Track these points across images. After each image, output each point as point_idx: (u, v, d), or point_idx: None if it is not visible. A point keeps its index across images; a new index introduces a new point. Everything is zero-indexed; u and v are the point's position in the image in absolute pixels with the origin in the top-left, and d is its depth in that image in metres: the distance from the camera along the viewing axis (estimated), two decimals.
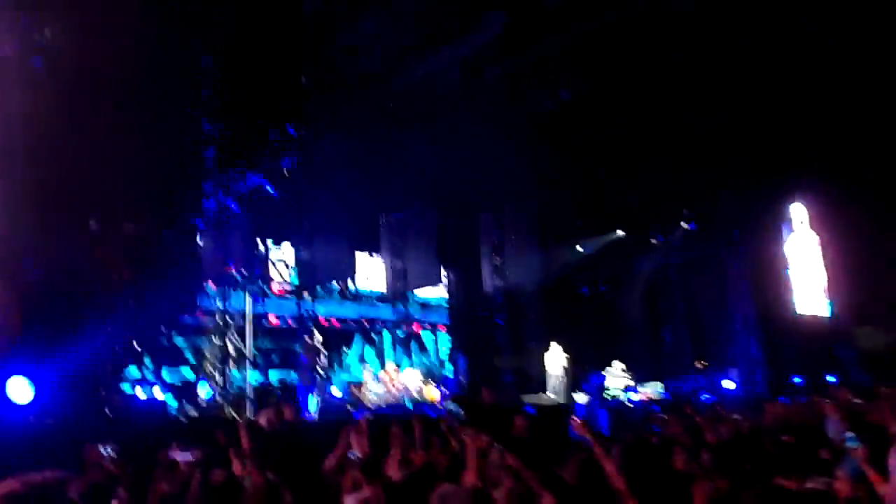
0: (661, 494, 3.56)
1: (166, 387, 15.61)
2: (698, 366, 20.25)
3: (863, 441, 4.29)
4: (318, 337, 16.01)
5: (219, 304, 16.01)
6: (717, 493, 2.92)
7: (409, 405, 16.21)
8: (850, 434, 4.50)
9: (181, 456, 6.93)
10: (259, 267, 18.44)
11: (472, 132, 15.59)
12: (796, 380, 18.87)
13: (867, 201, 18.97)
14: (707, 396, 18.03)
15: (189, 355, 17.42)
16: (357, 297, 21.51)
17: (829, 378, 18.95)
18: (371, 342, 21.54)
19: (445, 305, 22.31)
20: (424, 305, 22.38)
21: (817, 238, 22.13)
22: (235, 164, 15.13)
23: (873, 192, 18.91)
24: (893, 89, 15.58)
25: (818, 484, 4.12)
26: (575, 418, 6.02)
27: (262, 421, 7.40)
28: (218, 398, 14.98)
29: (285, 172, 15.78)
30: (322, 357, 15.83)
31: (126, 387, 14.65)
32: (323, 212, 17.58)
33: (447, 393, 16.20)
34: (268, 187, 15.68)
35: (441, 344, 22.71)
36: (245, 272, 16.78)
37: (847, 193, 19.24)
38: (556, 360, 17.47)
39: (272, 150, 15.29)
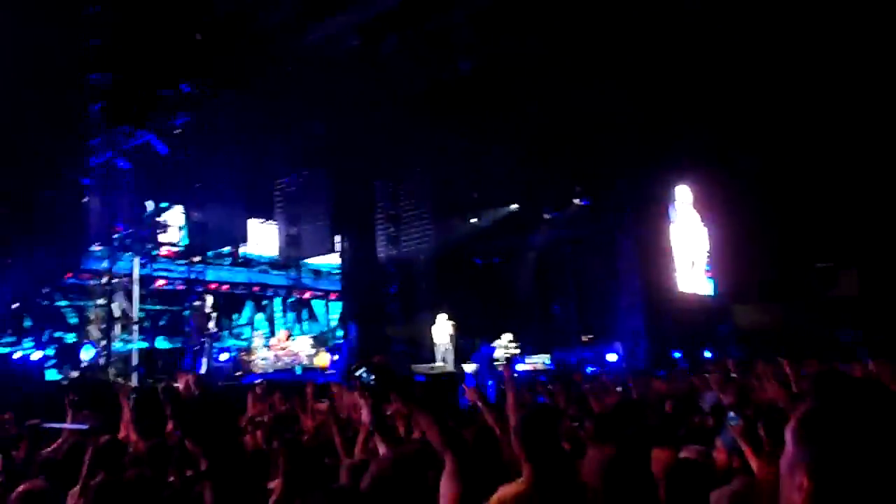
0: (555, 461, 3.61)
1: (44, 348, 15.10)
2: (584, 339, 20.88)
3: (742, 416, 4.54)
4: (209, 300, 15.74)
5: (105, 265, 15.54)
6: (604, 459, 3.04)
7: (299, 371, 16.15)
8: (731, 413, 4.76)
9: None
10: (147, 228, 17.96)
11: (371, 99, 15.51)
12: (676, 355, 19.69)
13: (748, 185, 19.93)
14: (592, 368, 18.62)
15: (72, 318, 16.87)
16: (248, 262, 21.25)
17: (707, 353, 19.87)
18: (262, 308, 21.35)
19: (337, 273, 22.28)
20: (316, 273, 22.29)
21: (700, 220, 23.05)
22: (125, 121, 14.63)
23: (753, 176, 19.88)
24: (777, 77, 16.35)
25: (691, 453, 4.36)
26: (466, 387, 6.18)
27: (180, 387, 7.31)
28: (101, 361, 14.58)
29: (177, 131, 15.34)
30: (211, 322, 15.57)
31: (2, 349, 14.16)
32: (215, 174, 17.22)
33: (336, 360, 16.20)
34: (158, 146, 15.21)
35: (332, 312, 22.68)
36: (133, 233, 16.27)
37: (729, 177, 20.15)
38: (442, 329, 17.69)
39: (164, 107, 14.81)
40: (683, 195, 22.70)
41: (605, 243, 21.08)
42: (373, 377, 2.85)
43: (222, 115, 15.78)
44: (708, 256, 23.50)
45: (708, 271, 23.52)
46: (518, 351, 18.40)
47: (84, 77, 13.74)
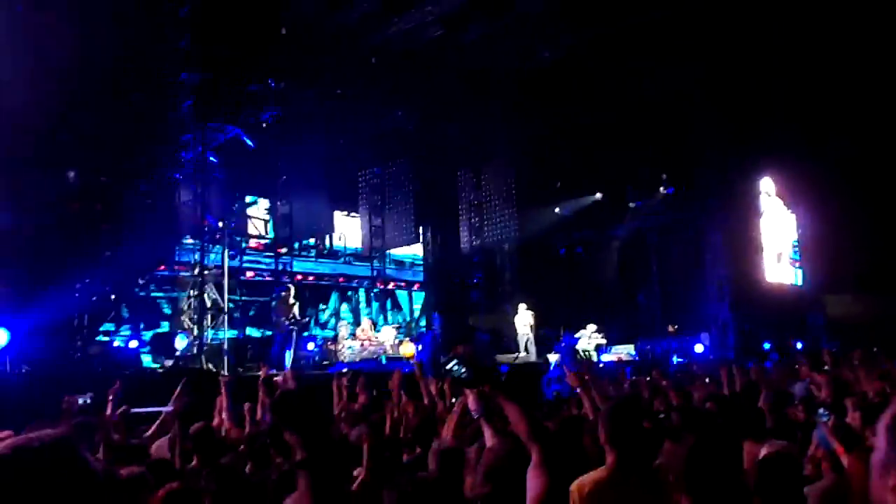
0: (641, 450, 3.63)
1: (142, 338, 15.64)
2: (670, 329, 20.54)
3: (832, 412, 4.42)
4: (292, 290, 16.03)
5: (196, 257, 15.99)
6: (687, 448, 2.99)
7: (384, 361, 16.34)
8: (822, 409, 4.63)
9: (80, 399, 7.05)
10: (237, 221, 18.43)
11: (454, 90, 15.55)
12: (766, 346, 19.22)
13: (839, 172, 19.26)
14: (678, 359, 18.34)
15: (166, 308, 17.45)
16: (334, 254, 21.58)
17: (798, 345, 19.33)
18: (347, 299, 21.66)
19: (420, 264, 22.43)
20: (399, 263, 22.50)
21: (787, 209, 22.44)
22: (214, 117, 15.02)
23: (844, 163, 19.20)
24: (860, 67, 15.77)
25: (779, 447, 4.25)
26: (567, 370, 6.13)
27: (279, 378, 7.55)
28: (194, 350, 15.01)
29: (264, 126, 15.67)
30: (294, 311, 15.84)
31: (102, 338, 14.69)
32: (302, 167, 17.54)
33: (421, 350, 16.30)
34: (246, 140, 15.57)
35: (415, 302, 22.87)
36: (222, 226, 16.70)
37: (819, 164, 19.52)
38: (523, 319, 17.66)
39: (251, 102, 15.16)
40: (769, 185, 22.13)
41: (691, 232, 20.67)
42: (464, 370, 2.86)
43: (308, 109, 16.06)
44: (795, 246, 22.86)
45: (796, 261, 22.88)
46: (603, 341, 18.23)
47: (175, 75, 14.15)
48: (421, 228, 20.44)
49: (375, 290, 22.01)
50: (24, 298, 10.86)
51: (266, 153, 16.31)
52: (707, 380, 10.49)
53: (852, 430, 4.19)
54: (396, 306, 22.50)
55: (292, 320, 15.35)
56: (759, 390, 7.94)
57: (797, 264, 22.68)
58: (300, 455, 1.88)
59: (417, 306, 22.87)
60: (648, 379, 10.40)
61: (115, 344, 14.77)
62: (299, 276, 19.99)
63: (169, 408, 6.74)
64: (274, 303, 16.41)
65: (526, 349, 17.29)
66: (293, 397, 1.99)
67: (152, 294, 17.59)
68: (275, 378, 7.57)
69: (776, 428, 5.49)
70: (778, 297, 21.22)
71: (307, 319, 16.87)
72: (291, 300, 15.65)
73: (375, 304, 22.07)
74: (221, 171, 16.17)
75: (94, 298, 14.77)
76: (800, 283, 22.81)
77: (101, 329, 15.24)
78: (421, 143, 17.60)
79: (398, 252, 21.99)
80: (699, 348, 19.09)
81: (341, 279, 21.59)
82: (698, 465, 2.78)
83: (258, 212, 19.62)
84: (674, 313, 21.08)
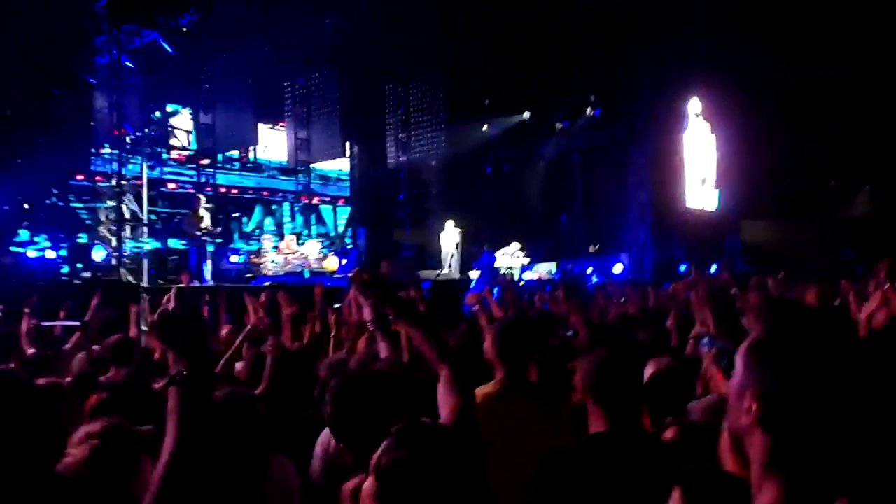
0: (527, 366, 3.78)
1: (59, 249, 15.27)
2: (591, 249, 20.91)
3: (714, 343, 4.55)
4: (202, 200, 15.75)
5: (114, 167, 15.55)
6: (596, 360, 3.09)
7: (307, 275, 16.33)
8: (705, 339, 4.77)
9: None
10: (157, 130, 17.91)
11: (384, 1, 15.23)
12: (681, 268, 19.75)
13: (759, 98, 19.54)
14: (596, 279, 18.73)
15: (84, 219, 17.01)
16: (258, 167, 21.27)
17: (713, 268, 19.90)
18: (271, 213, 21.44)
19: (346, 179, 22.27)
20: (325, 178, 22.29)
21: (710, 132, 22.72)
22: (129, 19, 14.44)
23: (770, 86, 19.48)
24: None
25: (666, 363, 4.39)
26: (471, 294, 6.23)
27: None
28: (113, 261, 14.75)
29: (184, 31, 15.14)
30: (205, 222, 15.61)
31: (16, 248, 14.31)
32: (225, 76, 17.07)
33: (345, 265, 16.34)
34: (165, 45, 15.04)
35: (340, 217, 22.79)
36: (141, 135, 16.22)
37: (743, 86, 19.72)
38: (450, 236, 17.78)
39: (170, 4, 14.60)
40: (696, 106, 22.30)
41: (616, 155, 20.87)
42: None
43: (231, 14, 15.53)
44: (717, 170, 23.27)
45: (716, 185, 23.30)
46: (526, 260, 18.50)
47: None
48: (348, 144, 20.15)
49: (300, 205, 21.81)
50: None
51: (187, 60, 15.79)
52: (623, 299, 10.76)
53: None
54: (321, 221, 22.36)
55: (204, 231, 15.15)
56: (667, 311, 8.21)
57: (716, 187, 23.10)
58: (175, 371, 1.92)
59: (342, 221, 22.77)
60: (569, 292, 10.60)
61: (31, 254, 14.40)
62: (223, 189, 19.64)
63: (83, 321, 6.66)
64: (186, 215, 16.13)
65: (450, 266, 17.45)
66: (173, 318, 2.01)
67: (70, 204, 17.10)
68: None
69: (680, 347, 5.68)
70: (699, 220, 21.71)
71: (218, 230, 16.65)
72: (202, 211, 15.41)
73: (300, 219, 21.90)
74: (139, 78, 15.63)
75: (6, 207, 14.35)
76: (717, 206, 23.29)
77: (15, 239, 14.83)
78: (348, 53, 17.22)
79: (323, 167, 21.77)
80: (618, 269, 19.53)
81: (265, 192, 21.30)
82: (608, 375, 2.90)
83: (181, 122, 19.10)
84: (596, 234, 21.44)
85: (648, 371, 4.07)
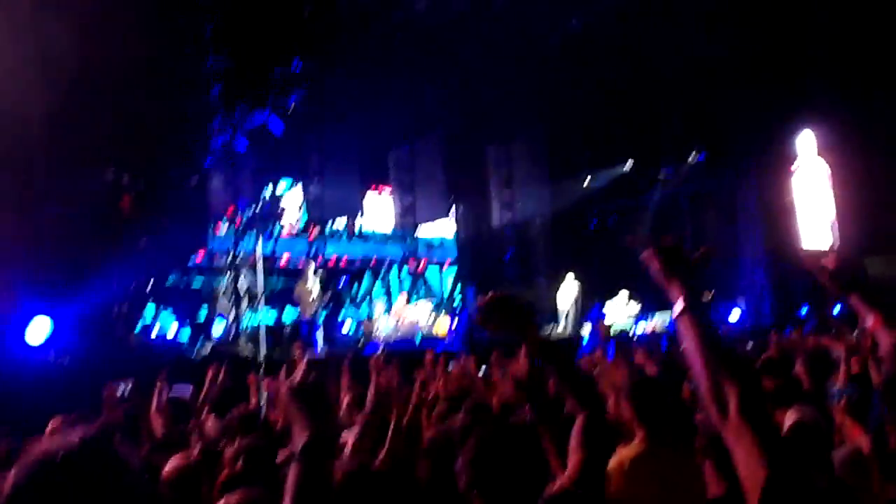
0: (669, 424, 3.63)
1: (182, 325, 15.75)
2: (706, 297, 20.26)
3: (843, 393, 4.28)
4: (310, 270, 16.05)
5: (230, 243, 16.06)
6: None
7: (419, 340, 16.33)
8: (835, 388, 4.51)
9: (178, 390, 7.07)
10: (269, 207, 18.46)
11: (480, 62, 15.36)
12: (802, 311, 18.88)
13: (877, 130, 18.66)
14: None
15: (204, 295, 17.56)
16: (365, 237, 21.62)
17: (836, 309, 18.91)
18: (380, 279, 21.71)
19: (450, 244, 22.41)
20: (429, 245, 22.48)
21: (827, 168, 21.80)
22: (242, 101, 14.99)
23: (884, 119, 18.60)
24: None
25: (806, 414, 4.14)
26: (584, 357, 6.06)
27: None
28: (231, 336, 15.13)
29: (291, 108, 15.62)
30: (313, 294, 15.87)
31: (141, 326, 14.80)
32: (331, 147, 17.50)
33: (455, 327, 16.27)
34: (274, 124, 15.53)
35: (446, 279, 22.89)
36: (254, 212, 16.74)
37: (861, 118, 18.84)
38: (569, 291, 17.51)
39: (278, 85, 15.12)
40: (807, 141, 21.41)
41: (724, 198, 20.32)
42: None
43: (335, 89, 15.98)
44: (834, 207, 22.28)
45: (833, 223, 22.30)
46: (637, 308, 18.02)
47: (203, 63, 14.12)
48: (452, 205, 20.30)
49: (407, 270, 22.02)
50: (66, 290, 10.92)
51: (295, 135, 16.26)
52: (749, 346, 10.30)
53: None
54: (428, 284, 22.51)
55: (315, 302, 15.40)
56: (794, 357, 7.74)
57: (834, 225, 22.08)
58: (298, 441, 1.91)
59: (449, 283, 22.95)
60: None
61: (154, 332, 14.91)
62: (332, 259, 20.04)
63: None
64: (295, 285, 16.44)
65: (566, 321, 17.18)
66: (306, 388, 1.99)
67: (189, 282, 17.72)
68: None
69: (815, 393, 5.38)
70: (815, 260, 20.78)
71: (328, 299, 16.86)
72: (311, 280, 15.68)
73: (408, 282, 22.07)
74: (251, 156, 16.16)
75: (133, 287, 14.87)
76: (836, 244, 22.25)
77: (140, 317, 15.37)
78: (450, 117, 17.45)
79: (427, 235, 22.04)
80: (735, 315, 18.82)
81: (373, 261, 21.67)
82: None
83: (291, 197, 19.65)
84: (710, 281, 20.78)
85: (788, 421, 3.93)
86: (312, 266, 16.30)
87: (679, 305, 2.02)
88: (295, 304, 16.37)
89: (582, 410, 2.51)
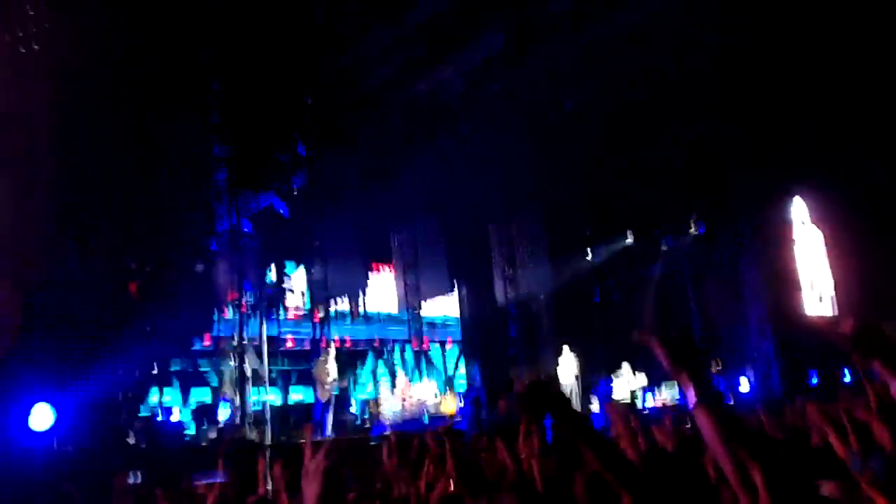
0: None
1: (185, 410, 15.51)
2: (713, 368, 19.96)
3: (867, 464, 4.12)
4: (331, 353, 15.90)
5: (235, 327, 15.91)
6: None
7: (427, 420, 16.06)
8: (855, 458, 4.34)
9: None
10: (274, 290, 18.41)
11: (478, 143, 15.52)
12: (813, 379, 18.63)
13: (867, 196, 18.74)
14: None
15: (209, 379, 17.37)
16: (368, 319, 21.54)
17: (846, 375, 18.67)
18: (383, 360, 21.54)
19: (453, 324, 22.30)
20: (431, 325, 22.38)
21: (821, 235, 21.84)
22: (246, 186, 15.07)
23: (872, 187, 18.69)
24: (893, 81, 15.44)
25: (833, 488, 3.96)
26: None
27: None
28: (237, 419, 14.85)
29: (295, 192, 15.71)
30: (330, 376, 15.70)
31: (146, 411, 14.58)
32: (333, 229, 17.55)
33: (463, 406, 16.02)
34: (280, 207, 15.59)
35: (450, 359, 22.72)
36: (259, 294, 16.66)
37: (849, 188, 18.99)
38: (568, 367, 17.30)
39: (282, 170, 15.23)
40: (800, 209, 21.54)
41: (726, 269, 20.25)
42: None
43: (337, 171, 16.09)
44: (831, 272, 22.20)
45: (833, 288, 22.17)
46: (644, 381, 17.76)
47: (209, 149, 14.24)
48: (455, 283, 20.25)
49: (410, 350, 21.87)
50: (68, 377, 10.74)
51: (298, 217, 16.30)
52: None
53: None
54: (431, 364, 22.36)
55: (332, 383, 15.20)
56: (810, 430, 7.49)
57: (833, 291, 21.97)
58: None
59: (452, 363, 22.86)
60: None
61: (159, 418, 14.67)
62: (336, 342, 19.92)
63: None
64: (313, 367, 16.26)
65: (572, 398, 16.90)
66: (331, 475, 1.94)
67: (194, 366, 17.54)
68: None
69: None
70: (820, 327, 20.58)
71: (345, 382, 16.68)
72: (330, 362, 15.51)
73: (411, 362, 21.89)
74: (256, 240, 16.17)
75: (137, 373, 14.66)
76: (831, 312, 22.08)
77: (144, 403, 15.15)
78: (450, 196, 17.52)
79: (430, 314, 21.97)
80: (744, 386, 18.54)
81: (377, 342, 21.51)
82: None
83: (295, 280, 19.63)
84: (716, 350, 20.56)
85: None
86: (333, 348, 16.18)
87: (692, 397, 2.12)
88: (308, 385, 16.18)
89: (624, 490, 2.40)
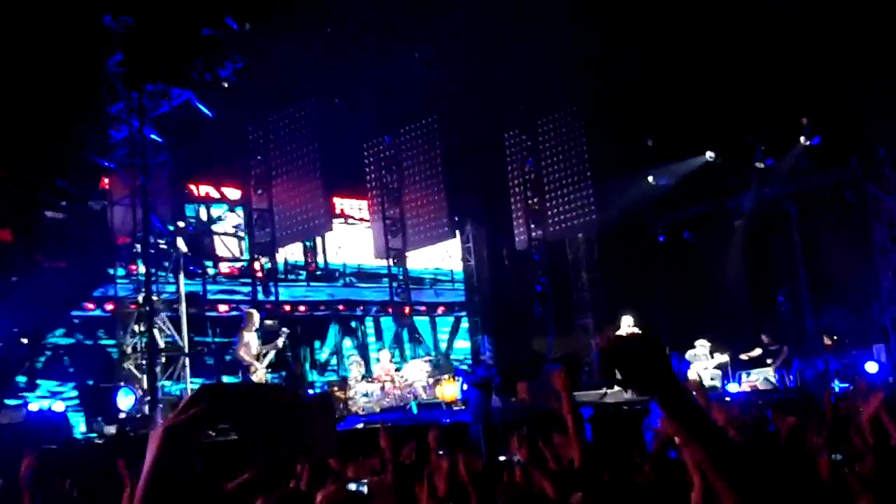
0: None
1: (71, 398, 15.87)
2: (826, 342, 20.39)
3: None
4: (254, 318, 16.13)
5: (141, 286, 15.97)
6: None
7: (416, 409, 16.41)
8: None
9: None
10: (196, 230, 18.63)
11: (491, 10, 15.61)
12: None
13: None
14: (841, 385, 18.24)
15: (104, 354, 17.52)
16: (330, 274, 21.99)
17: None
18: (351, 332, 21.93)
19: (446, 280, 22.90)
20: (417, 282, 22.88)
21: None
22: (153, 75, 15.26)
23: None
24: None
25: None
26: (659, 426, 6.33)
27: None
28: (144, 409, 15.07)
29: (226, 85, 15.88)
30: (251, 347, 15.83)
31: (10, 400, 14.87)
32: (282, 142, 17.88)
33: (468, 389, 16.38)
34: (201, 107, 15.78)
35: (441, 331, 23.03)
36: (174, 235, 16.67)
37: None
38: None
39: (205, 53, 15.39)
40: None
41: (852, 199, 20.42)
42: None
43: (285, 58, 16.22)
44: None
45: None
46: (725, 359, 18.20)
47: (98, 23, 14.38)
48: (457, 219, 20.51)
49: (387, 319, 22.15)
50: None
51: (230, 123, 16.46)
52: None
53: None
54: (415, 339, 22.55)
55: (260, 362, 15.51)
56: None
57: None
58: None
59: (443, 336, 23.42)
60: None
61: (33, 407, 14.90)
62: (286, 308, 20.25)
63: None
64: (235, 340, 16.34)
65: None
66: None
67: (82, 338, 17.72)
68: None
69: None
70: None
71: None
72: (252, 335, 15.70)
73: (390, 334, 22.51)
74: (167, 155, 16.18)
75: (3, 344, 15.05)
76: None
77: (13, 387, 15.49)
78: (450, 97, 17.72)
79: (415, 267, 22.45)
80: (872, 367, 18.96)
81: (342, 307, 21.99)
82: None
83: (228, 221, 19.90)
84: (832, 319, 20.90)
85: None
86: (256, 317, 16.34)
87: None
88: (235, 371, 16.53)
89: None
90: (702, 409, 2.40)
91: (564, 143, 19.39)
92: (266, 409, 1.99)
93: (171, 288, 16.57)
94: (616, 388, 16.37)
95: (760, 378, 18.46)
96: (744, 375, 18.67)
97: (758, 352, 18.83)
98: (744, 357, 18.43)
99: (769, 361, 18.69)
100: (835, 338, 20.31)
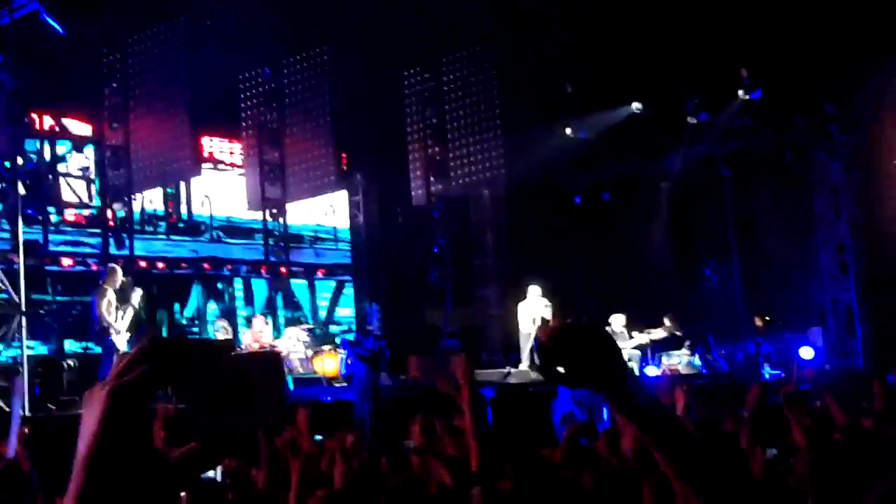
0: None
1: None
2: (757, 323, 20.67)
3: None
4: (117, 276, 15.99)
5: None
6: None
7: (291, 386, 16.39)
8: None
9: None
10: (36, 168, 18.33)
11: None
12: None
13: None
14: (772, 372, 18.51)
15: None
16: (194, 227, 21.69)
17: None
18: (216, 294, 21.74)
19: (329, 239, 22.77)
20: (296, 239, 22.69)
21: None
22: None
23: None
24: None
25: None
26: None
27: None
28: None
29: None
30: (109, 309, 15.78)
31: None
32: (142, 68, 17.58)
33: (353, 363, 16.38)
34: (50, 20, 15.51)
35: (320, 297, 22.97)
36: (11, 174, 16.52)
37: None
38: (532, 311, 17.79)
39: None
40: None
41: (793, 163, 20.72)
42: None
43: None
44: None
45: None
46: (646, 339, 18.37)
47: None
48: (345, 168, 20.49)
49: (258, 281, 22.13)
50: None
51: (81, 41, 16.23)
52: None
53: None
54: (291, 304, 22.51)
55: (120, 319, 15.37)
56: None
57: None
58: None
59: (324, 303, 23.43)
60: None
61: None
62: (143, 263, 20.01)
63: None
64: (93, 299, 16.31)
65: (531, 359, 17.49)
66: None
67: None
68: None
69: None
70: None
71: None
72: (111, 293, 15.59)
73: (260, 300, 22.20)
74: (6, 77, 15.99)
75: None
76: None
77: None
78: (342, 24, 17.64)
79: (293, 222, 22.25)
80: (807, 353, 19.26)
81: (207, 265, 21.80)
82: None
83: (75, 160, 19.52)
84: (763, 297, 21.21)
85: None
86: (119, 272, 16.22)
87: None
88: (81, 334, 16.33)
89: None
90: (664, 407, 2.41)
91: (472, 86, 19.35)
92: (214, 367, 1.83)
93: (5, 235, 16.08)
94: (524, 364, 16.49)
95: (683, 361, 18.66)
96: (664, 358, 18.85)
97: (661, 334, 18.90)
98: (644, 336, 18.45)
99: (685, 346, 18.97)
100: (767, 318, 20.58)
